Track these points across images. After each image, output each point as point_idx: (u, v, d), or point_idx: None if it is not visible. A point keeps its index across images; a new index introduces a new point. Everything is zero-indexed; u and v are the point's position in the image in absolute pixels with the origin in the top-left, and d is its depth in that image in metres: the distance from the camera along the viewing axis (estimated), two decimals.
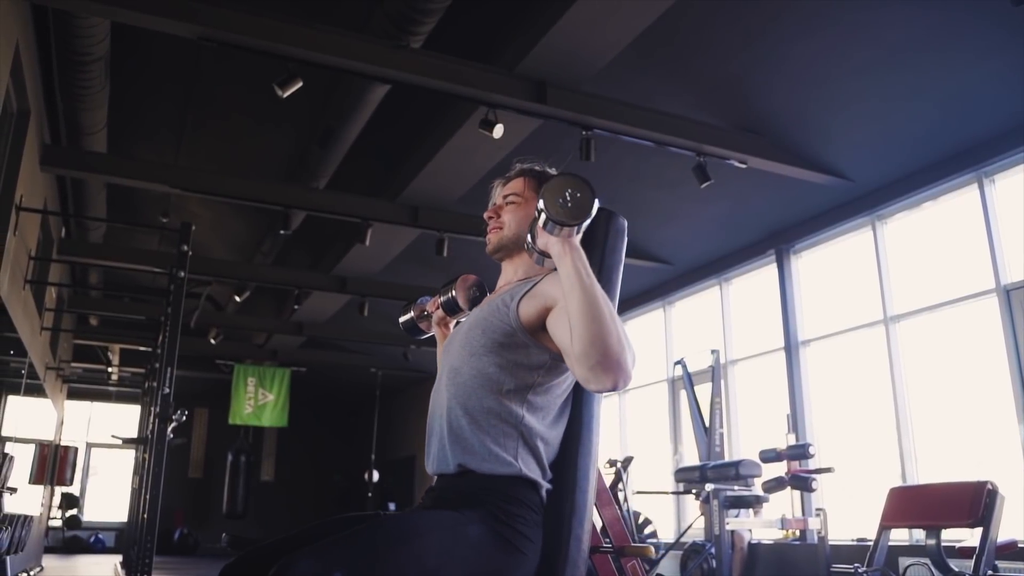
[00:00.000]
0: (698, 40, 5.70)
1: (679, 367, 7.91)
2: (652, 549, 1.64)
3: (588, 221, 1.53)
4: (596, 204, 1.53)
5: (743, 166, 6.23)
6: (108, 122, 6.57)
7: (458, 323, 1.99)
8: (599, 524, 1.90)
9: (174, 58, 6.57)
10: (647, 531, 8.30)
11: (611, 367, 1.39)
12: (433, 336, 2.14)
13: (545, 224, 1.53)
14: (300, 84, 4.96)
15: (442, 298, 2.03)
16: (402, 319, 2.20)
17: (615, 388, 1.41)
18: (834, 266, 7.48)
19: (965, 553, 4.17)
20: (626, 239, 1.88)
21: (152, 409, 6.40)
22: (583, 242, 1.62)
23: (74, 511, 14.95)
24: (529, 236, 1.65)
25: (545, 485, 1.60)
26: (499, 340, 1.65)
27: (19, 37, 4.80)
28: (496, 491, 1.55)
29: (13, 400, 7.64)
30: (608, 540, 1.77)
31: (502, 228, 1.84)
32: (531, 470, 1.58)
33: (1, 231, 5.31)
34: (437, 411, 1.70)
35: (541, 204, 1.52)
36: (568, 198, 1.51)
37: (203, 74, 6.81)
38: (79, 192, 8.06)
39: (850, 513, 6.83)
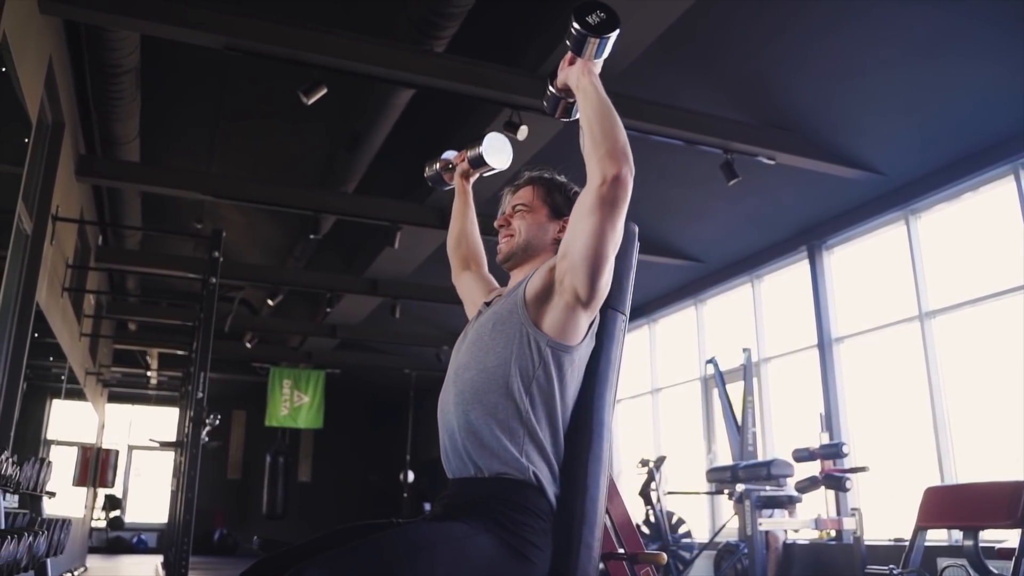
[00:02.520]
0: (723, 36, 5.65)
1: (711, 366, 7.85)
2: (664, 556, 1.63)
3: (609, 45, 1.67)
4: (618, 30, 1.65)
5: (772, 162, 6.17)
6: (140, 131, 6.69)
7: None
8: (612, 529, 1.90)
9: (203, 67, 6.66)
10: (681, 531, 8.26)
11: (619, 155, 1.58)
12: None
13: (572, 40, 1.66)
14: (324, 91, 5.00)
15: (470, 152, 2.11)
16: (427, 173, 2.29)
17: (619, 175, 1.57)
18: (867, 262, 7.37)
19: (1004, 554, 4.08)
20: (637, 244, 1.88)
21: (187, 413, 6.50)
22: None
23: (117, 512, 15.25)
24: (548, 83, 1.81)
25: (553, 490, 1.60)
26: (505, 331, 1.67)
27: (52, 51, 4.90)
28: (504, 499, 1.55)
29: (56, 404, 7.83)
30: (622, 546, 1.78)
31: (513, 237, 1.85)
32: (539, 469, 1.58)
33: (38, 241, 5.42)
34: (444, 410, 1.71)
35: (573, 21, 1.64)
36: (596, 18, 1.65)
37: (232, 82, 6.91)
38: (115, 200, 8.21)
39: (887, 513, 6.73)
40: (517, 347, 1.64)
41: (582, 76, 1.69)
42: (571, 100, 1.80)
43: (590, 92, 1.66)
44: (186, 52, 5.72)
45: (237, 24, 4.81)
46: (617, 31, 1.65)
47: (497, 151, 2.05)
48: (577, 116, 1.76)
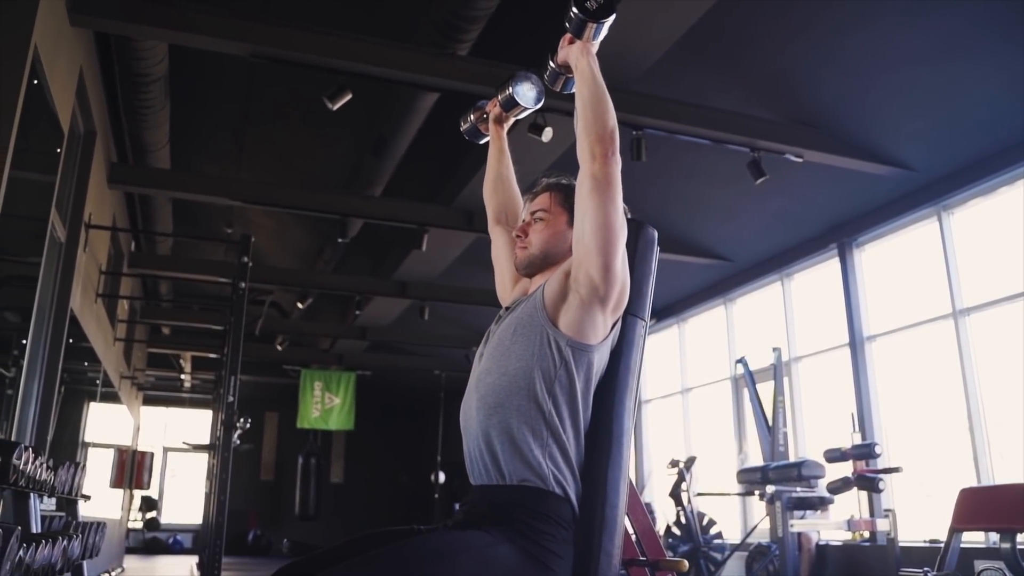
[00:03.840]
0: (747, 34, 5.60)
1: (740, 366, 7.79)
2: (685, 563, 1.62)
3: (606, 27, 1.75)
4: (615, 12, 1.73)
5: (799, 160, 6.10)
6: (170, 138, 6.78)
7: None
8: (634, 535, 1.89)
9: (231, 74, 6.74)
10: (712, 532, 8.20)
11: (607, 138, 1.65)
12: None
13: (571, 23, 1.75)
14: (349, 96, 5.03)
15: (501, 96, 2.12)
16: (463, 127, 2.30)
17: (607, 155, 1.64)
18: (899, 259, 7.27)
19: None
20: (657, 249, 1.87)
21: (219, 416, 6.58)
22: None
23: (153, 513, 15.47)
24: (549, 60, 1.89)
25: (574, 498, 1.59)
26: (526, 333, 1.67)
27: (83, 63, 4.99)
28: (525, 507, 1.55)
29: (92, 408, 7.97)
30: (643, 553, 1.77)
31: (528, 247, 1.85)
32: (560, 474, 1.58)
33: (72, 248, 5.52)
34: (467, 417, 1.71)
35: (572, 6, 1.72)
36: (594, 3, 1.72)
37: (259, 88, 6.98)
38: (146, 206, 8.34)
39: (922, 514, 6.63)
40: (538, 349, 1.64)
41: (581, 56, 1.76)
42: (570, 75, 1.86)
43: (587, 73, 1.73)
44: (213, 59, 5.79)
45: (262, 32, 4.86)
46: (613, 16, 1.73)
47: (527, 89, 2.06)
48: (573, 90, 1.81)
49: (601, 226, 1.62)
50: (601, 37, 1.78)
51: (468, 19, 4.97)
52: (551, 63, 1.90)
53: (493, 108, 2.17)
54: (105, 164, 6.40)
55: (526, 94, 2.06)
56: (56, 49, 4.20)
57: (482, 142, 2.29)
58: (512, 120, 2.22)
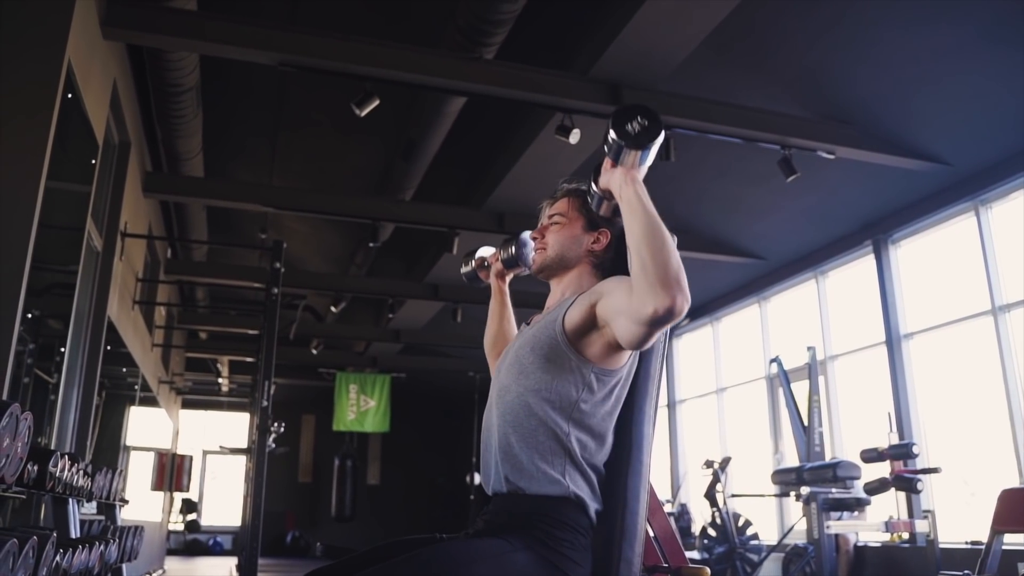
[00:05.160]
0: (776, 30, 5.54)
1: (775, 365, 7.71)
2: (707, 571, 1.61)
3: (651, 153, 1.55)
4: (662, 136, 1.53)
5: (831, 157, 6.02)
6: (203, 146, 6.88)
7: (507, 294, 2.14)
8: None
9: (262, 81, 6.82)
10: (748, 533, 8.13)
11: (671, 283, 1.39)
12: None
13: (611, 149, 1.55)
14: (377, 102, 5.06)
15: (503, 254, 2.08)
16: (463, 270, 2.27)
17: (673, 307, 1.39)
18: (936, 255, 7.14)
19: None
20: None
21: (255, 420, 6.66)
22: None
23: (193, 516, 15.71)
24: (591, 181, 1.68)
25: (594, 506, 1.60)
26: (546, 355, 1.66)
27: (116, 75, 5.08)
28: (544, 515, 1.56)
29: (133, 412, 8.11)
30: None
31: (546, 249, 1.85)
32: (580, 488, 1.58)
33: (108, 257, 5.63)
34: (488, 430, 1.72)
35: (610, 130, 1.53)
36: (636, 125, 1.52)
37: (289, 95, 7.06)
38: (181, 214, 8.47)
39: (963, 515, 6.51)
40: (558, 371, 1.64)
41: (625, 185, 1.54)
42: (615, 202, 1.63)
43: (634, 204, 1.51)
44: (244, 67, 5.86)
45: (289, 41, 4.91)
46: (660, 138, 1.52)
47: (531, 251, 1.97)
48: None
49: (643, 340, 1.51)
50: (649, 162, 1.56)
51: (493, 22, 4.97)
52: (593, 186, 1.68)
53: (495, 262, 2.13)
54: (140, 173, 6.51)
55: (529, 256, 1.98)
56: (89, 63, 4.28)
57: (481, 287, 2.25)
58: (512, 275, 2.15)
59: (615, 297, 1.55)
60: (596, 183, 1.66)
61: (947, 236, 6.99)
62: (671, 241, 1.46)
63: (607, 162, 1.61)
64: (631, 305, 1.47)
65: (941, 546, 5.78)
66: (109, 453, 7.21)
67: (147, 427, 9.69)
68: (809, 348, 7.44)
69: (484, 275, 2.20)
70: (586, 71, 5.43)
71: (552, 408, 1.62)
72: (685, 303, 1.40)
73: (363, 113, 5.07)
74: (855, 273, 7.98)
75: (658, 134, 1.52)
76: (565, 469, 1.59)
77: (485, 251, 2.22)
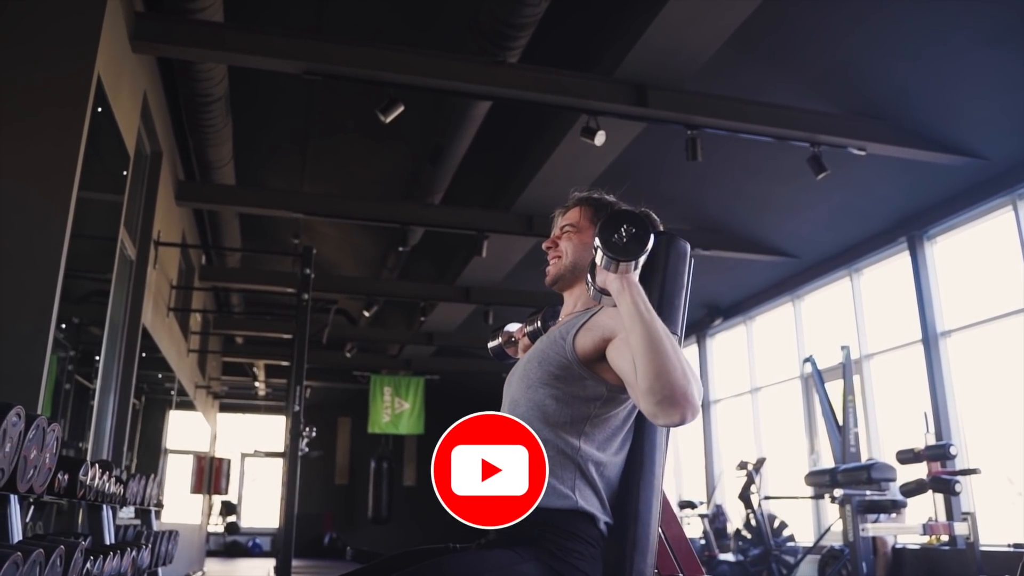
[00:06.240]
0: (802, 26, 5.48)
1: (808, 364, 7.61)
2: None
3: (644, 257, 1.53)
4: (652, 241, 1.52)
5: (862, 153, 5.93)
6: (234, 154, 6.97)
7: None
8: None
9: (290, 89, 6.89)
10: (784, 535, 8.04)
11: (678, 402, 1.36)
12: None
13: (601, 260, 1.53)
14: (402, 109, 5.09)
15: (529, 328, 2.06)
16: (490, 344, 2.24)
17: (683, 422, 1.38)
18: (973, 250, 7.00)
19: None
20: (690, 263, 1.83)
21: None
22: (643, 266, 1.61)
23: (233, 518, 15.93)
24: (589, 275, 1.64)
25: (604, 518, 1.59)
26: (555, 372, 1.65)
27: (147, 87, 5.17)
28: (553, 526, 1.55)
29: (172, 416, 8.25)
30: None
31: (560, 259, 1.84)
32: (589, 503, 1.58)
33: (142, 265, 5.72)
34: None
35: (597, 241, 1.52)
36: (624, 234, 1.51)
37: (319, 101, 7.12)
38: (215, 221, 8.59)
39: (1005, 517, 6.37)
40: (568, 387, 1.63)
41: (622, 292, 1.50)
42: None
43: (631, 314, 1.47)
44: (272, 75, 5.93)
45: (314, 49, 4.96)
46: (650, 244, 1.50)
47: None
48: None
49: None
50: (642, 261, 1.53)
51: (516, 26, 4.97)
52: (591, 282, 1.63)
53: (521, 337, 2.12)
54: (172, 182, 6.62)
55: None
56: (119, 77, 4.36)
57: (508, 363, 2.21)
58: None
59: (625, 365, 1.51)
60: (593, 277, 1.61)
61: (984, 232, 6.84)
62: (674, 351, 1.41)
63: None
64: (637, 401, 1.45)
65: (982, 548, 5.66)
66: (149, 457, 7.35)
67: (185, 431, 9.85)
68: (843, 347, 7.33)
69: (512, 351, 2.18)
70: (611, 72, 5.41)
71: (562, 423, 1.61)
72: (694, 416, 1.37)
73: (388, 120, 5.10)
74: (890, 270, 7.85)
75: (647, 241, 1.50)
76: (575, 484, 1.58)
77: (512, 327, 2.21)
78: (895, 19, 5.21)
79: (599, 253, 1.53)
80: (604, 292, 1.59)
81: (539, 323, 2.01)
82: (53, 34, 3.78)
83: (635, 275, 1.54)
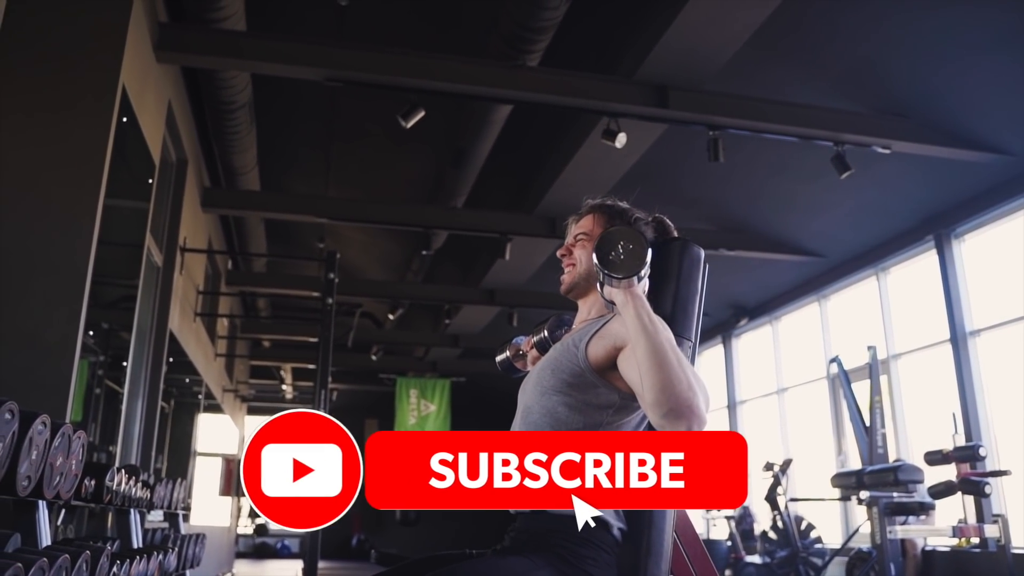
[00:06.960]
0: (823, 25, 5.43)
1: (834, 365, 7.54)
2: None
3: (645, 270, 1.54)
4: (649, 254, 1.54)
5: (887, 151, 5.87)
6: (259, 161, 7.04)
7: None
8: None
9: (313, 94, 6.94)
10: (811, 536, 7.97)
11: (683, 414, 1.38)
12: None
13: (601, 278, 1.56)
14: (422, 114, 5.12)
15: (535, 338, 2.06)
16: (498, 358, 2.24)
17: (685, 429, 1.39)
18: (1002, 248, 6.89)
19: None
20: (704, 268, 1.83)
21: None
22: (657, 272, 1.62)
23: (261, 519, 16.07)
24: (598, 285, 1.66)
25: (618, 524, 1.59)
26: (568, 380, 1.66)
27: (171, 96, 5.25)
28: (566, 532, 1.56)
29: (200, 419, 8.35)
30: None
31: (575, 267, 1.84)
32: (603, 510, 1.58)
33: (168, 272, 5.80)
34: None
35: (594, 259, 1.54)
36: (620, 251, 1.53)
37: (341, 106, 7.17)
38: (241, 226, 8.68)
39: None
40: (581, 394, 1.64)
41: (626, 304, 1.53)
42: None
43: (635, 327, 1.49)
44: (295, 80, 5.99)
45: (335, 56, 5.00)
46: (648, 258, 1.51)
47: (564, 333, 1.93)
48: None
49: None
50: (643, 275, 1.54)
51: (535, 30, 4.98)
52: (602, 293, 1.64)
53: (529, 349, 2.11)
54: (198, 189, 6.70)
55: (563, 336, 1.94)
56: (143, 86, 4.43)
57: (516, 376, 2.20)
58: None
59: (633, 375, 1.52)
60: (601, 288, 1.62)
61: (1014, 229, 6.74)
62: (678, 363, 1.42)
63: None
64: (645, 411, 1.46)
65: (1014, 551, 5.58)
66: (179, 459, 7.44)
67: (214, 434, 9.96)
68: (869, 348, 7.25)
69: (521, 364, 2.17)
70: (631, 74, 5.40)
71: (575, 430, 1.62)
72: (700, 427, 1.38)
73: (409, 125, 5.14)
74: (917, 269, 7.75)
75: (644, 256, 1.51)
76: None
77: (519, 339, 2.20)
78: (917, 16, 5.16)
79: (598, 272, 1.55)
80: (612, 304, 1.62)
81: (545, 333, 2.01)
82: (78, 46, 3.84)
83: (640, 287, 1.55)
